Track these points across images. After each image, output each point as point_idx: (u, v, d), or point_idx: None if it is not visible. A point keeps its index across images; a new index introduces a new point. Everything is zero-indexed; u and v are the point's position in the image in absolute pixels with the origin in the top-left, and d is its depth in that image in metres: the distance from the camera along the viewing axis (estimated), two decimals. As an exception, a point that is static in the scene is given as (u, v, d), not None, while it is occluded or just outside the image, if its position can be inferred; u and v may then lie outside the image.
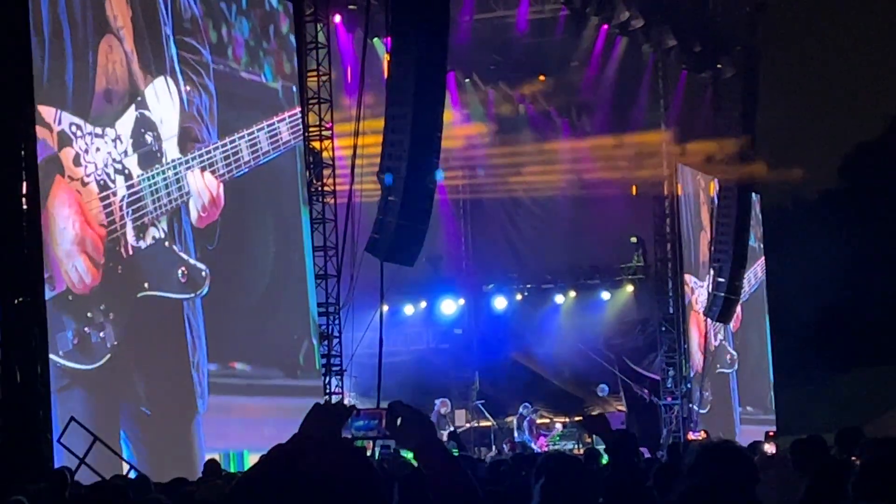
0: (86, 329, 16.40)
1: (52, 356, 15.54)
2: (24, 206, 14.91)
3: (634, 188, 30.13)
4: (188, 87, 18.79)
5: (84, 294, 16.42)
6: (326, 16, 22.70)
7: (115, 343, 16.83)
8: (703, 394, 30.77)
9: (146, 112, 17.88)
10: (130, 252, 17.30)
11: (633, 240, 30.73)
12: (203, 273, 18.66)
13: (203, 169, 18.97)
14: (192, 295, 18.51)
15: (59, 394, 15.73)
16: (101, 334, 16.64)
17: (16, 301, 14.73)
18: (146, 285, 17.63)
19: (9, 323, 14.60)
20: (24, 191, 14.97)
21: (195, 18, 19.13)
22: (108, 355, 16.74)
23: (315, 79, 22.31)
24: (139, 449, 17.07)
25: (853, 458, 9.90)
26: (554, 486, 6.17)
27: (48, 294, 15.57)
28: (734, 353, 32.62)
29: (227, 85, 19.79)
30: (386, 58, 20.63)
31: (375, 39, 23.84)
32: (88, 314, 16.51)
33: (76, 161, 16.44)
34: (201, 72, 19.16)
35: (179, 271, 18.23)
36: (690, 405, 29.63)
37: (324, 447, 3.87)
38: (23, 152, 14.98)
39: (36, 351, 14.82)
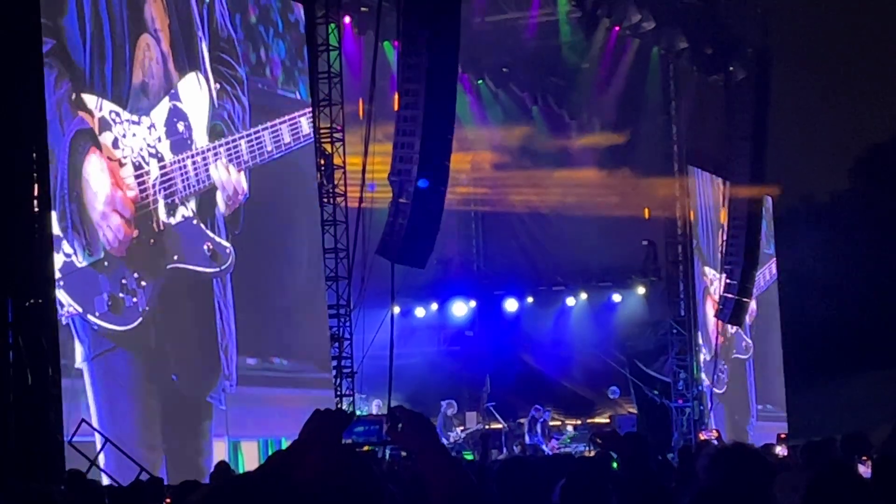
0: (120, 294, 17.32)
1: (89, 316, 16.65)
2: (36, 209, 14.91)
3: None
4: (219, 89, 19.80)
5: (120, 257, 17.34)
6: (338, 18, 22.70)
7: (147, 308, 17.72)
8: (720, 375, 30.78)
9: (179, 104, 18.93)
10: (161, 227, 18.36)
11: (645, 242, 30.69)
12: (227, 250, 19.63)
13: (229, 160, 19.91)
14: (218, 269, 19.39)
15: (97, 360, 16.77)
16: (134, 299, 17.55)
17: (26, 303, 14.73)
18: (175, 258, 18.62)
19: (19, 325, 14.59)
20: (35, 193, 14.97)
21: (231, 39, 20.21)
22: (140, 319, 17.63)
23: (326, 81, 22.33)
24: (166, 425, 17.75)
25: (864, 457, 9.88)
26: (572, 489, 6.16)
27: (87, 260, 16.68)
28: (749, 341, 32.70)
29: (261, 100, 20.87)
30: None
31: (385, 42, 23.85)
32: (123, 280, 17.42)
33: (114, 144, 17.58)
34: (235, 85, 20.22)
35: (205, 246, 19.23)
36: (702, 407, 29.60)
37: (324, 453, 3.85)
38: (34, 155, 14.99)
39: (47, 353, 14.82)
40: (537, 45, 28.88)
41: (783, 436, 28.75)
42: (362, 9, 24.51)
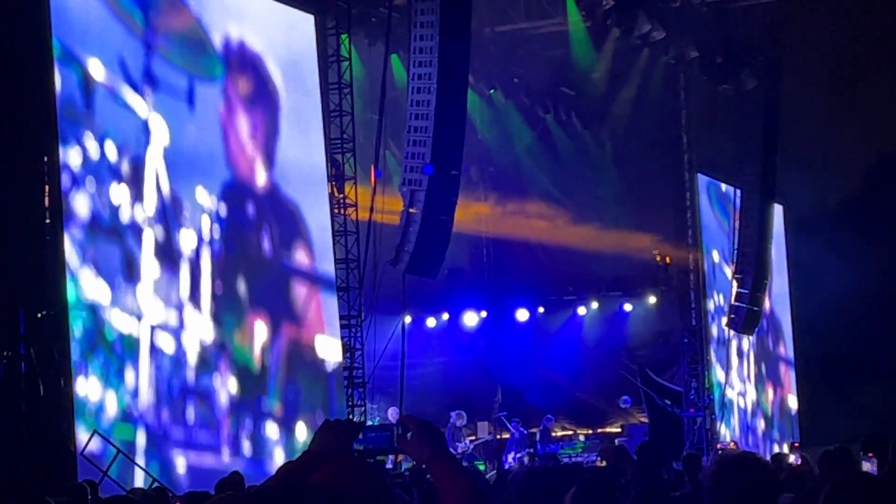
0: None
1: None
2: (47, 220, 14.96)
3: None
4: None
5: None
6: (348, 29, 22.74)
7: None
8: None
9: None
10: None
11: (656, 252, 30.68)
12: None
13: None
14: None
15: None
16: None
17: (38, 315, 14.77)
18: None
19: (31, 336, 14.64)
20: (47, 204, 15.02)
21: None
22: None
23: (337, 91, 22.37)
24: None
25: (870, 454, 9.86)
26: (583, 497, 6.17)
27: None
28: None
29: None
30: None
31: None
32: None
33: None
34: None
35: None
36: (713, 416, 29.54)
37: (336, 462, 3.87)
38: (45, 167, 15.04)
39: (59, 364, 14.86)
40: (548, 54, 28.91)
41: (796, 444, 28.69)
42: (372, 20, 24.53)
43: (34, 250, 14.98)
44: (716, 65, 28.78)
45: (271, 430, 18.98)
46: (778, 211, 32.15)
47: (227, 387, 18.27)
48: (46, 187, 14.98)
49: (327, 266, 21.28)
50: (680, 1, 26.75)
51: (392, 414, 24.38)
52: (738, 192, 30.35)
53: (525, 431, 26.54)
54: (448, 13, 18.98)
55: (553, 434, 27.70)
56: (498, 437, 27.12)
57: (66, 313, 15.38)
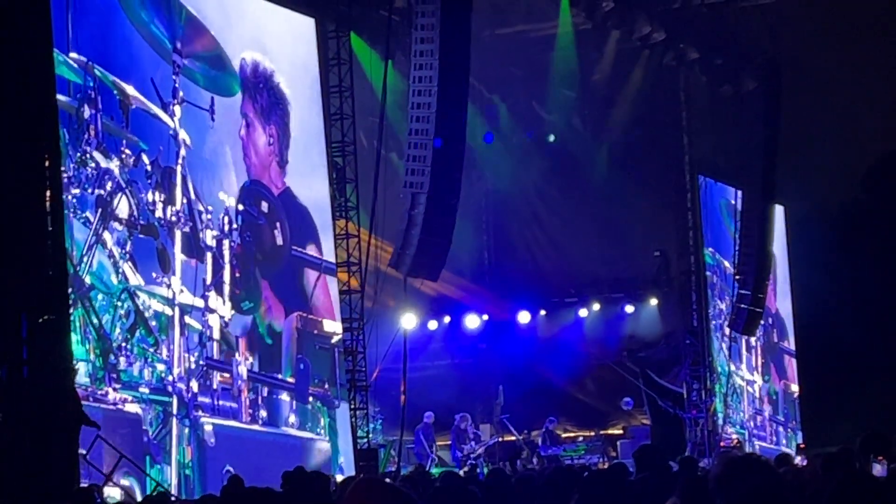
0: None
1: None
2: (49, 227, 14.95)
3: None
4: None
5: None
6: (348, 32, 22.76)
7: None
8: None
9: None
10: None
11: (657, 254, 30.68)
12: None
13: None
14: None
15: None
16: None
17: (40, 319, 14.75)
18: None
19: (34, 341, 14.62)
20: (48, 209, 15.01)
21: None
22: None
23: (337, 95, 22.38)
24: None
25: (879, 457, 9.83)
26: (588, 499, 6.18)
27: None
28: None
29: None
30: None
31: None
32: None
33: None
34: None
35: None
36: (715, 417, 29.53)
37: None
38: (47, 171, 15.03)
39: (61, 369, 14.85)
40: (548, 57, 28.94)
41: (802, 445, 28.70)
42: (373, 22, 24.54)
43: (36, 256, 14.96)
44: (716, 66, 28.80)
45: (284, 397, 20.93)
46: (779, 212, 32.14)
47: (245, 360, 20.13)
48: (48, 192, 14.97)
49: (333, 257, 22.55)
50: (680, 2, 26.77)
51: (427, 418, 25.46)
52: (739, 193, 30.36)
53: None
54: (448, 16, 18.99)
55: (557, 434, 27.66)
56: (501, 439, 27.09)
57: (68, 318, 15.40)
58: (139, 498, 16.16)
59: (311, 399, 21.27)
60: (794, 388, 34.74)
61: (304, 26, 22.35)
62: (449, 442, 26.20)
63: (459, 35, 19.35)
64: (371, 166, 20.88)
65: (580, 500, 6.22)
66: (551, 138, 30.91)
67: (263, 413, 20.29)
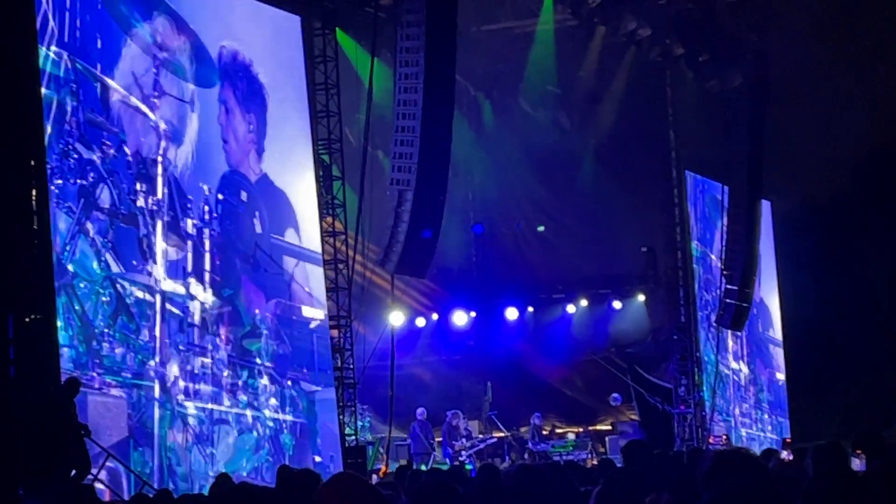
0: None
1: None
2: (35, 227, 14.90)
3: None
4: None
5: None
6: (334, 29, 22.74)
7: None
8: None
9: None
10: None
11: (644, 249, 30.71)
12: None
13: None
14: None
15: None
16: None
17: (27, 319, 14.71)
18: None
19: (21, 341, 14.58)
20: (35, 208, 14.96)
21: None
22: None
23: (323, 92, 22.36)
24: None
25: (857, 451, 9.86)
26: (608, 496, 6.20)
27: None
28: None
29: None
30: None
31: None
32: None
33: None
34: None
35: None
36: (703, 413, 29.57)
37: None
38: (32, 168, 14.97)
39: (48, 370, 14.81)
40: (534, 53, 28.94)
41: (788, 440, 28.74)
42: (358, 19, 24.53)
43: (22, 255, 14.91)
44: (702, 61, 28.80)
45: (264, 381, 21.17)
46: (766, 207, 32.17)
47: (225, 345, 20.36)
48: (34, 191, 14.92)
49: (312, 244, 22.57)
50: (665, -2, 26.79)
51: (420, 414, 25.23)
52: (726, 188, 30.38)
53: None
54: (434, 12, 18.96)
55: (544, 432, 27.67)
56: (490, 435, 27.08)
57: (55, 318, 15.36)
58: (124, 481, 16.56)
59: (289, 383, 21.53)
60: (780, 376, 34.84)
61: (289, 24, 22.34)
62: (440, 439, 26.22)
63: (446, 32, 19.32)
64: (358, 163, 20.83)
65: (601, 493, 6.26)
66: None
67: (244, 396, 20.55)
